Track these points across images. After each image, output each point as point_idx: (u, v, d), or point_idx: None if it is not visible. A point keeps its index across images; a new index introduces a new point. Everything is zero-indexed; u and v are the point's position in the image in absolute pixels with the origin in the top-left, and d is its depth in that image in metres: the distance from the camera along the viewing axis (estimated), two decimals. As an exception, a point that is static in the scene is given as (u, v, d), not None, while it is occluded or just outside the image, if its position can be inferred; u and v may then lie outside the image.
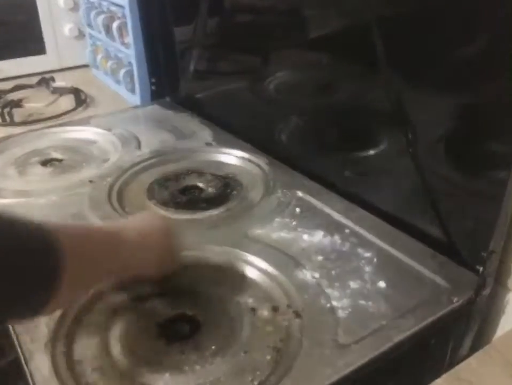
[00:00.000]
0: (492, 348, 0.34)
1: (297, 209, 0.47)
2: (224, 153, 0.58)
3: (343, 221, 0.45)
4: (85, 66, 0.91)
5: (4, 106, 0.74)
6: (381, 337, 0.32)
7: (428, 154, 0.41)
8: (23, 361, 0.31)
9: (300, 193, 0.49)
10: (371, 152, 0.47)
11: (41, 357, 0.31)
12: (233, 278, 0.38)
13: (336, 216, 0.45)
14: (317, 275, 0.38)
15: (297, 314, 0.34)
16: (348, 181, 0.49)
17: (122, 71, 0.76)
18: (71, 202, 0.49)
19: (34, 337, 0.33)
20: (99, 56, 0.84)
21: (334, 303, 0.35)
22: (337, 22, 0.46)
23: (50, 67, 0.90)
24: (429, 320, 0.34)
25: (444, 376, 0.32)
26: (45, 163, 0.58)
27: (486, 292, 0.37)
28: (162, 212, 0.48)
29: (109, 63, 0.80)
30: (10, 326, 0.34)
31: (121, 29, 0.74)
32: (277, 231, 0.44)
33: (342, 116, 0.50)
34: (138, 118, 0.72)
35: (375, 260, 0.40)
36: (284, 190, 0.50)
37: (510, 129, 0.33)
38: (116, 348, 0.32)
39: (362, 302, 0.35)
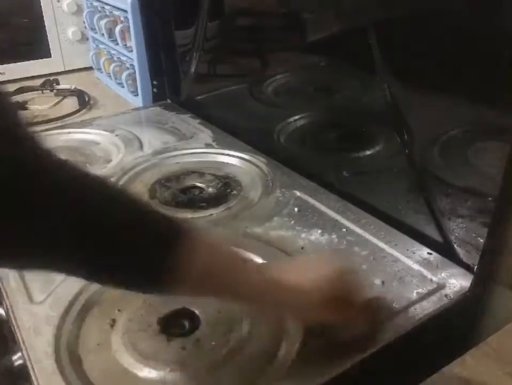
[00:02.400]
0: (487, 345, 0.34)
1: (296, 209, 0.47)
2: (224, 154, 0.59)
3: (341, 220, 0.45)
4: (89, 68, 0.92)
5: (9, 108, 0.75)
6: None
7: (423, 155, 0.41)
8: (27, 359, 0.32)
9: (298, 193, 0.50)
10: (368, 152, 0.48)
11: (44, 352, 0.32)
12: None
13: (334, 215, 0.46)
14: (314, 273, 0.38)
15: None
16: (345, 181, 0.50)
17: (125, 74, 0.77)
18: (74, 202, 0.50)
19: (38, 334, 0.34)
20: (102, 59, 0.85)
21: (331, 300, 0.36)
22: (335, 25, 0.47)
23: (54, 70, 0.91)
24: (425, 317, 0.34)
25: (439, 373, 0.32)
26: (49, 164, 0.59)
27: (481, 289, 0.38)
28: (163, 210, 0.49)
29: (112, 66, 0.81)
30: (14, 326, 0.35)
31: (123, 32, 0.75)
32: (275, 230, 0.44)
33: (339, 117, 0.50)
34: (140, 120, 0.73)
35: (371, 258, 0.40)
36: (283, 190, 0.50)
37: (505, 129, 0.33)
38: (118, 345, 0.33)
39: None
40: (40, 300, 0.37)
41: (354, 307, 0.30)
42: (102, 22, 0.78)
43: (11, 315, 0.36)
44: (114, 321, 0.35)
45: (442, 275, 0.38)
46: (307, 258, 0.35)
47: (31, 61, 0.89)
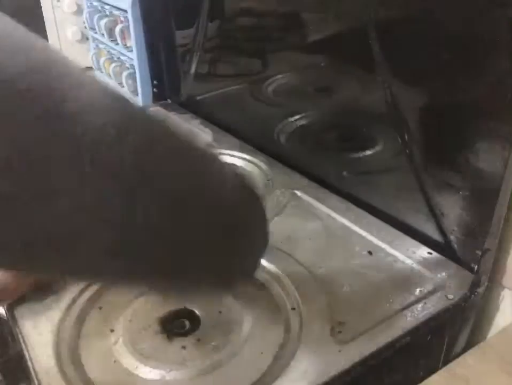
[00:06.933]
0: (487, 345, 0.34)
1: (296, 208, 0.47)
2: (224, 154, 0.59)
3: (341, 220, 0.45)
4: (89, 68, 0.92)
5: (9, 108, 0.75)
6: (378, 334, 0.33)
7: (424, 155, 0.41)
8: (27, 359, 0.32)
9: (298, 193, 0.50)
10: (369, 152, 0.48)
11: (44, 351, 0.32)
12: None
13: (334, 215, 0.46)
14: (315, 272, 0.38)
15: (296, 310, 0.35)
16: (345, 181, 0.50)
17: (125, 74, 0.77)
18: (74, 202, 0.50)
19: (38, 334, 0.34)
20: (102, 59, 0.85)
21: (332, 300, 0.36)
22: (335, 25, 0.47)
23: (54, 70, 0.91)
24: (425, 317, 0.34)
25: (440, 372, 0.32)
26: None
27: (481, 289, 0.38)
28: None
29: (112, 66, 0.81)
30: (14, 325, 0.35)
31: (123, 32, 0.75)
32: (275, 229, 0.44)
33: (340, 117, 0.50)
34: (140, 120, 0.73)
35: (372, 258, 0.40)
36: (283, 190, 0.50)
37: (505, 130, 0.34)
38: (118, 345, 0.33)
39: (359, 299, 0.36)
40: (40, 300, 0.37)
41: None
42: (102, 22, 0.78)
43: (11, 314, 0.36)
44: (114, 321, 0.35)
45: (442, 275, 0.38)
46: None
47: (31, 61, 0.89)
